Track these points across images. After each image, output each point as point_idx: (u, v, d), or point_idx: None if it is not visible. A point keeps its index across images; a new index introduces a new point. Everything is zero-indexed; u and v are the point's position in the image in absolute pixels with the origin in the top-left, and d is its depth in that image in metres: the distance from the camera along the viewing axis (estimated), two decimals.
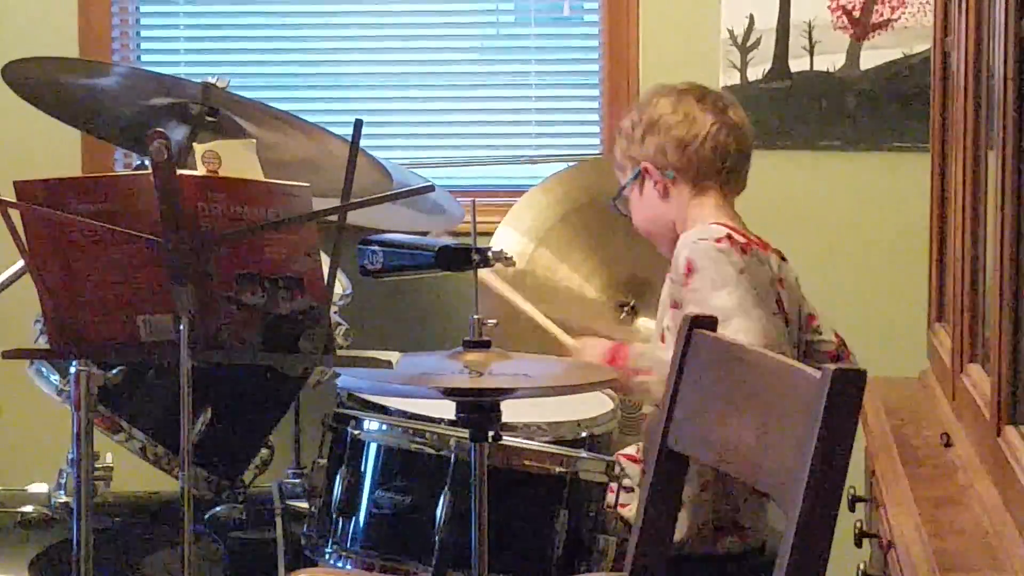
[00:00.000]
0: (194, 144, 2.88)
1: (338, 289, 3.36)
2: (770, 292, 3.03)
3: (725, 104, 3.18)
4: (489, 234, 3.69)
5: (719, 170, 3.15)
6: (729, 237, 3.01)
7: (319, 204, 2.47)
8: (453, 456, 2.83)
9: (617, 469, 2.93)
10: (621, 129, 3.23)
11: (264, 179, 2.67)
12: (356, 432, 2.92)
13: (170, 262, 2.44)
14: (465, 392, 2.67)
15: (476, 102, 4.25)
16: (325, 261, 2.47)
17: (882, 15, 4.00)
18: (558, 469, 2.86)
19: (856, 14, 4.00)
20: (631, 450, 3.23)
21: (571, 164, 4.03)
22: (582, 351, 3.15)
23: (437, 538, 2.81)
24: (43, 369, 3.18)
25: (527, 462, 2.86)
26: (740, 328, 2.90)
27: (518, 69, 4.27)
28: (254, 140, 2.99)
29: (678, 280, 3.01)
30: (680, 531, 2.89)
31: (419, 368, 2.77)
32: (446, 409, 2.80)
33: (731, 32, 4.03)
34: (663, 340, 3.06)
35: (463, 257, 3.03)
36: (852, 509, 2.70)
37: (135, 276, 2.48)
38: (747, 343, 2.81)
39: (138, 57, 4.30)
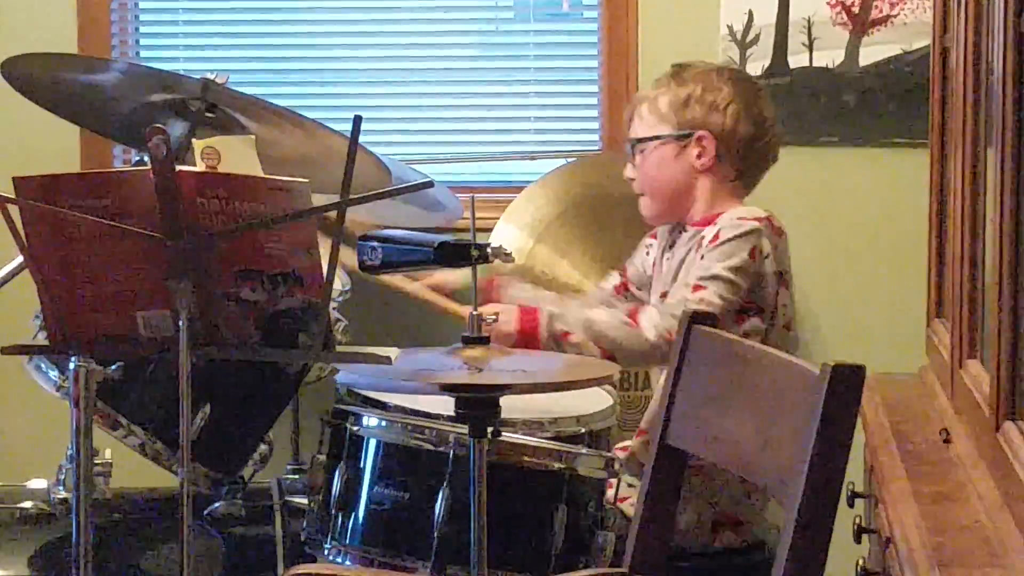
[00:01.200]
0: (193, 140, 2.88)
1: (337, 285, 3.36)
2: (792, 281, 3.14)
3: (775, 115, 3.28)
4: (488, 230, 3.69)
5: (755, 174, 3.24)
6: (768, 219, 3.06)
7: (318, 200, 2.47)
8: (452, 452, 2.83)
9: (616, 465, 2.93)
10: (684, 87, 3.20)
11: (263, 175, 2.67)
12: (355, 428, 2.92)
13: (169, 258, 2.44)
14: (464, 388, 2.67)
15: (475, 98, 4.25)
16: (324, 257, 2.47)
17: (881, 11, 4.00)
18: (557, 465, 2.86)
19: (855, 10, 4.00)
20: (629, 443, 3.23)
21: (570, 160, 4.03)
22: (494, 317, 3.09)
23: (436, 534, 2.81)
24: (42, 365, 3.18)
25: (526, 458, 2.86)
26: (706, 297, 2.99)
27: (517, 65, 4.27)
28: (253, 136, 2.99)
29: (702, 245, 3.08)
30: (679, 526, 2.89)
31: (418, 364, 2.77)
32: (445, 405, 2.80)
33: (730, 28, 4.02)
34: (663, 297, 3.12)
35: (462, 253, 3.03)
36: (851, 505, 2.70)
37: (134, 272, 2.48)
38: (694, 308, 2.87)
39: (137, 53, 4.30)
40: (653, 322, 3.00)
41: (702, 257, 3.07)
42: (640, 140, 3.22)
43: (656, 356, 3.02)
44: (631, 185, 3.27)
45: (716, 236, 3.08)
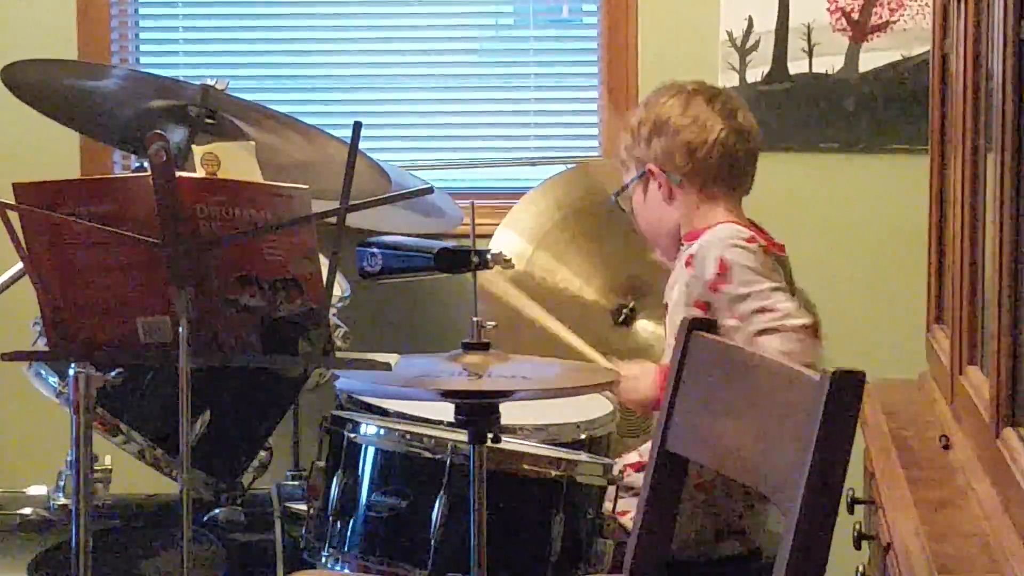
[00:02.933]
0: (193, 146, 2.88)
1: (337, 291, 3.36)
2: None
3: (734, 107, 3.15)
4: (488, 236, 3.69)
5: (727, 175, 3.13)
6: (753, 238, 3.02)
7: (318, 206, 2.47)
8: (449, 460, 2.82)
9: (615, 471, 2.93)
10: (628, 125, 3.18)
11: (263, 181, 2.67)
12: (352, 436, 2.92)
13: (169, 264, 2.44)
14: (464, 394, 2.67)
15: (475, 104, 4.25)
16: (324, 263, 2.47)
17: (881, 17, 4.00)
18: (555, 473, 2.85)
19: (855, 16, 4.00)
20: (633, 457, 3.22)
21: (570, 166, 4.03)
22: (635, 379, 3.08)
23: (434, 542, 2.80)
24: (42, 371, 3.18)
25: (525, 465, 2.85)
26: (790, 311, 2.91)
27: (517, 71, 4.27)
28: (253, 142, 2.99)
29: (705, 279, 2.99)
30: (679, 535, 2.89)
31: (418, 370, 2.76)
32: (445, 411, 2.80)
33: (730, 34, 4.03)
34: None
35: (462, 259, 3.04)
36: (851, 511, 2.70)
37: (134, 278, 2.48)
38: (800, 323, 2.89)
39: (137, 59, 4.30)
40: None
41: (712, 289, 3.00)
42: (617, 193, 3.21)
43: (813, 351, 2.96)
44: None
45: (721, 264, 3.00)
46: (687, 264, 3.04)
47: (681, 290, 3.04)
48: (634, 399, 3.09)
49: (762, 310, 2.92)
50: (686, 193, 3.12)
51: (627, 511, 2.92)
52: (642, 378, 3.07)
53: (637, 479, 3.09)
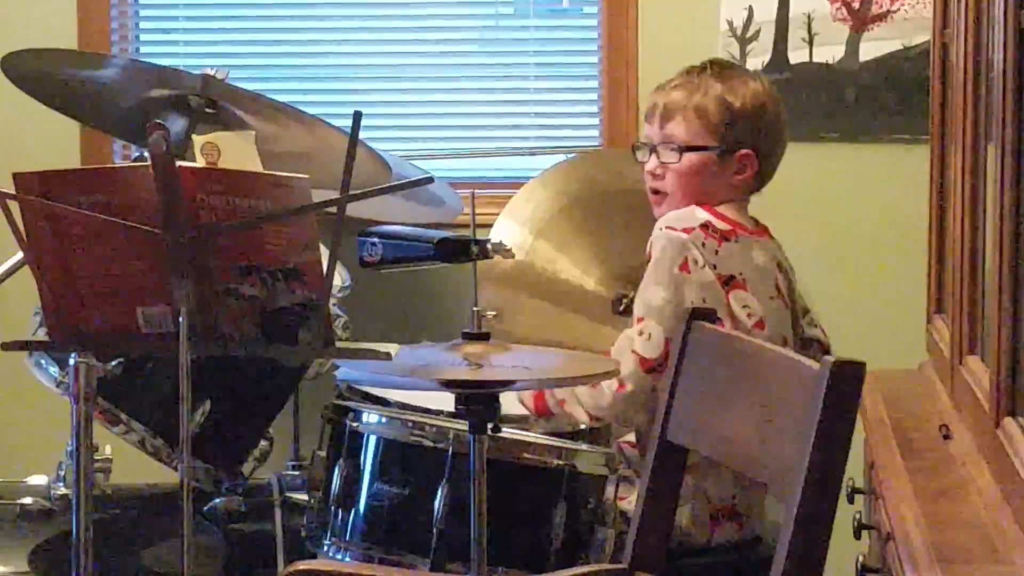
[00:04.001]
0: (193, 136, 2.88)
1: (337, 281, 3.36)
2: (765, 277, 3.09)
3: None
4: (488, 226, 3.68)
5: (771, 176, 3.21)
6: (708, 226, 3.03)
7: (318, 196, 2.47)
8: (451, 449, 2.82)
9: (616, 461, 2.93)
10: (737, 97, 3.15)
11: (263, 171, 2.67)
12: (354, 424, 2.92)
13: (169, 254, 2.44)
14: (464, 384, 2.67)
15: (475, 94, 4.25)
16: (324, 253, 2.47)
17: (881, 7, 4.00)
18: (556, 462, 2.86)
19: (855, 6, 4.00)
20: (631, 437, 3.23)
21: (570, 156, 4.02)
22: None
23: (436, 530, 2.81)
24: (42, 361, 3.18)
25: (526, 454, 2.86)
26: (647, 330, 3.00)
27: (517, 61, 4.27)
28: (253, 132, 2.99)
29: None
30: (677, 521, 2.89)
31: (418, 360, 2.76)
32: (445, 401, 2.80)
33: (730, 24, 4.02)
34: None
35: (462, 249, 3.03)
36: (851, 501, 2.70)
37: (134, 268, 2.48)
38: (640, 346, 2.98)
39: (137, 49, 4.29)
40: (605, 383, 3.00)
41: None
42: (687, 148, 3.16)
43: (620, 407, 3.03)
44: (647, 178, 3.22)
45: (649, 251, 3.06)
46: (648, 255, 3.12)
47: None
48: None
49: (639, 320, 3.03)
50: (747, 186, 3.17)
51: (626, 495, 2.92)
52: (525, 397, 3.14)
53: (634, 456, 3.12)
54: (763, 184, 3.20)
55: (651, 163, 3.19)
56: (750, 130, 3.14)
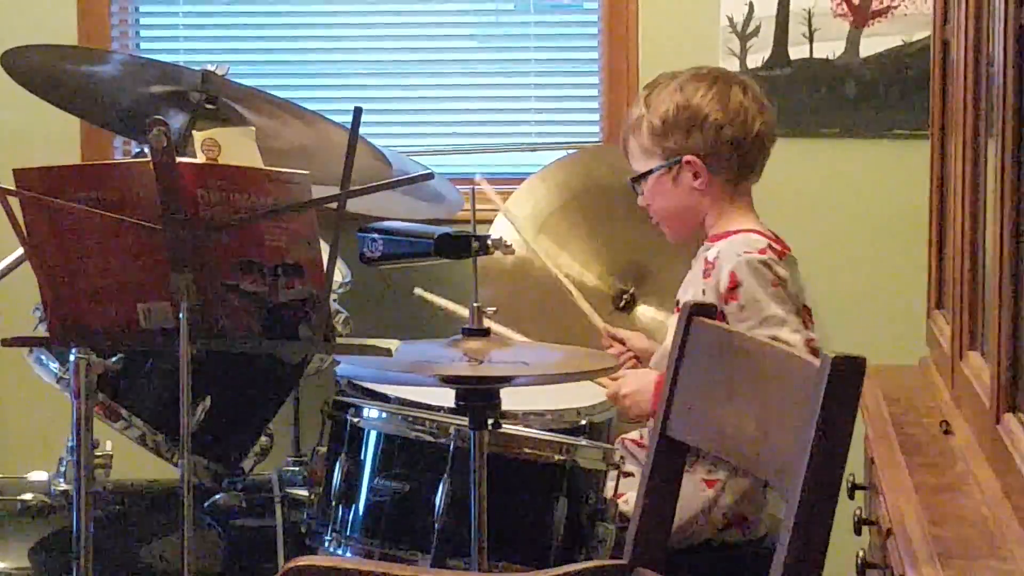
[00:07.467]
0: (193, 132, 2.88)
1: (337, 277, 3.36)
2: (798, 295, 3.09)
3: (761, 96, 3.19)
4: (489, 222, 3.69)
5: (758, 166, 3.18)
6: (770, 247, 3.03)
7: (318, 192, 2.47)
8: (452, 444, 2.83)
9: (616, 457, 2.93)
10: (657, 114, 3.14)
11: (263, 167, 2.67)
12: (355, 420, 2.92)
13: (169, 250, 2.44)
14: (464, 380, 2.67)
15: (475, 89, 4.24)
16: (324, 249, 2.47)
17: (882, 2, 3.99)
18: (557, 457, 2.86)
19: (856, 1, 4.00)
20: (635, 435, 3.23)
21: (571, 152, 4.02)
22: (627, 385, 3.13)
23: (436, 526, 2.81)
24: (43, 357, 3.17)
25: (526, 450, 2.86)
26: (787, 337, 2.95)
27: (517, 56, 4.26)
28: (253, 128, 2.99)
29: (719, 291, 3.02)
30: (680, 520, 2.89)
31: (418, 356, 2.77)
32: (446, 397, 2.80)
33: (731, 19, 4.02)
34: None
35: (462, 245, 3.03)
36: (851, 497, 2.70)
37: (134, 264, 2.48)
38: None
39: (137, 45, 4.29)
40: None
41: (724, 301, 3.01)
42: (636, 178, 3.20)
43: None
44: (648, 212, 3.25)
45: (732, 279, 3.01)
46: (705, 275, 3.06)
47: (697, 295, 3.05)
48: (637, 414, 3.13)
49: (773, 338, 2.94)
50: (722, 183, 3.14)
51: (623, 492, 2.92)
52: (643, 392, 3.09)
53: (640, 454, 3.11)
54: (747, 175, 3.17)
55: (640, 200, 3.23)
56: (681, 136, 3.13)
